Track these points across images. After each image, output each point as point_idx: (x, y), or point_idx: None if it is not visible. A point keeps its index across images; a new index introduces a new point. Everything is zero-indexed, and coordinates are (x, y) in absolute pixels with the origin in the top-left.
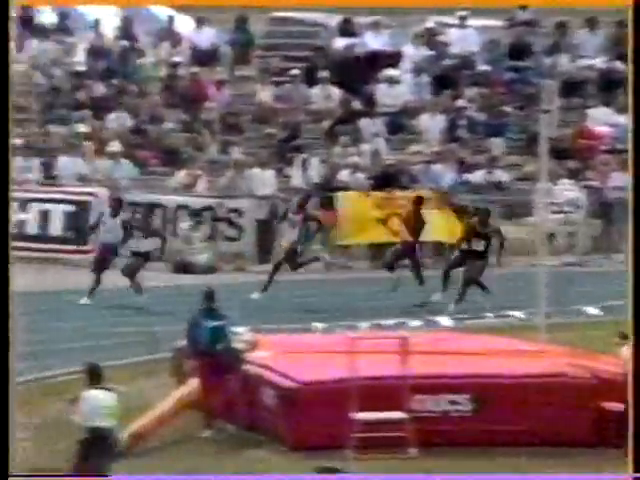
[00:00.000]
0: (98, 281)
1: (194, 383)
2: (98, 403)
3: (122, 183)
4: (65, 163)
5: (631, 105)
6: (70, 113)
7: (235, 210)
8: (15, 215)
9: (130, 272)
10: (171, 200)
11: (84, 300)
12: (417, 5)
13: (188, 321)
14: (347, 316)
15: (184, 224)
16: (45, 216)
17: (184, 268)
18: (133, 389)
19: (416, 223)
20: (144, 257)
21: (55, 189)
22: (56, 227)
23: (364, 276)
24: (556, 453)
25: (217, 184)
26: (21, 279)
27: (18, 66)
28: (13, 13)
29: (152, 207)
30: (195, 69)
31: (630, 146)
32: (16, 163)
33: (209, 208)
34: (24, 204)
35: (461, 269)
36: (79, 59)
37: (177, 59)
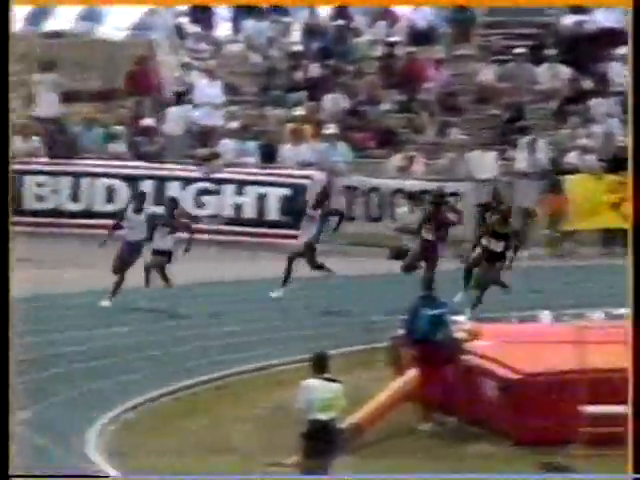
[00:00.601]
0: (120, 281)
1: (412, 374)
2: (316, 394)
3: (338, 166)
4: (282, 146)
5: (631, 105)
6: (286, 95)
7: (454, 194)
8: (232, 199)
9: (150, 271)
10: (387, 184)
11: (105, 302)
12: None
13: (406, 309)
14: (576, 304)
15: (401, 208)
16: (262, 200)
17: (402, 254)
18: (350, 380)
19: (437, 222)
20: (167, 255)
21: (272, 172)
22: (272, 211)
23: (595, 263)
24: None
25: (435, 167)
26: (233, 267)
27: (234, 47)
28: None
29: (175, 200)
30: (412, 48)
31: (630, 146)
32: (231, 146)
33: (427, 192)
34: (240, 187)
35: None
36: (295, 39)
37: (394, 38)
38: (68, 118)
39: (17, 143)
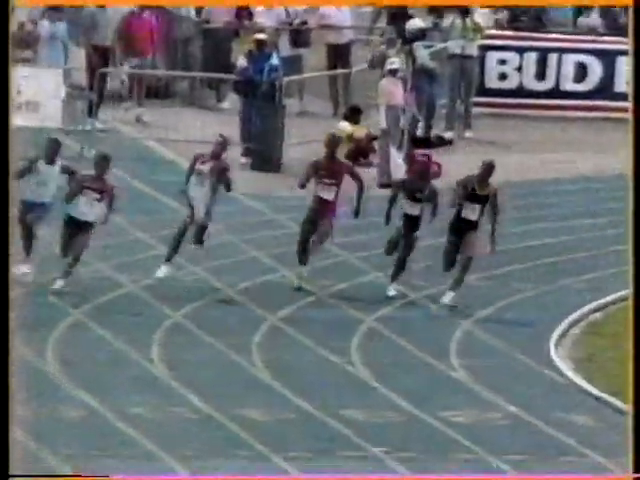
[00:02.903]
0: (29, 238)
1: None
2: None
3: None
4: None
5: (631, 105)
6: None
7: None
8: None
9: (68, 248)
10: None
11: (25, 268)
12: None
13: None
14: None
15: None
16: None
17: None
18: None
19: (331, 173)
20: (85, 228)
21: None
22: None
23: None
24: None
25: None
26: None
27: None
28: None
29: (107, 158)
30: None
31: (630, 145)
32: None
33: None
34: None
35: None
36: None
37: None
38: None
39: (478, 16)
